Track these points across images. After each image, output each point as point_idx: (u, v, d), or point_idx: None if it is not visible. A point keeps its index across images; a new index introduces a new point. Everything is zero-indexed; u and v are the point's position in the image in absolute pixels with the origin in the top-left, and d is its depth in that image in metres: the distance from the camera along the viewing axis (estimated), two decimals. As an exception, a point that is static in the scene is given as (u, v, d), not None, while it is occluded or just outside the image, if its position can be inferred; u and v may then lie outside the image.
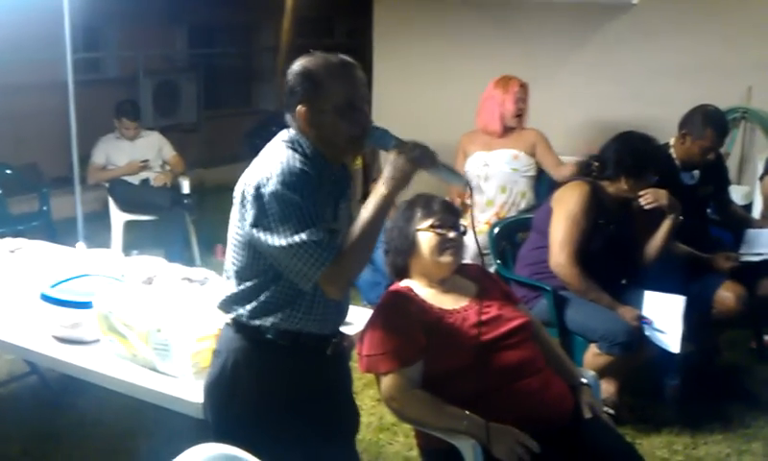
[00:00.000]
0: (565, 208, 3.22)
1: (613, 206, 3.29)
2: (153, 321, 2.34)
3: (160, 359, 2.34)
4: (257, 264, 1.93)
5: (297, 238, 1.81)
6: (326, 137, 1.93)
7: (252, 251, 1.93)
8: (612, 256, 3.25)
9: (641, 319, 3.12)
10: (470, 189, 1.98)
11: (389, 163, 1.88)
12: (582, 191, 3.24)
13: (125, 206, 5.52)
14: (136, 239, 5.42)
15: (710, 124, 3.56)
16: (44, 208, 5.53)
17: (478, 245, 2.38)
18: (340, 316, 2.07)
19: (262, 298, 1.94)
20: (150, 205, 5.46)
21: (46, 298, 2.63)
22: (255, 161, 1.94)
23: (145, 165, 5.63)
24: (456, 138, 4.60)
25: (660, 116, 4.47)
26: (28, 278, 2.99)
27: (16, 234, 3.76)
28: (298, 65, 1.94)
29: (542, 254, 3.28)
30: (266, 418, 1.95)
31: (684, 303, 3.14)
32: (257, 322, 1.95)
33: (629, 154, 3.24)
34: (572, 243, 3.17)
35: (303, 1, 8.96)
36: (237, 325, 2.00)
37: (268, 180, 1.85)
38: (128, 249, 5.14)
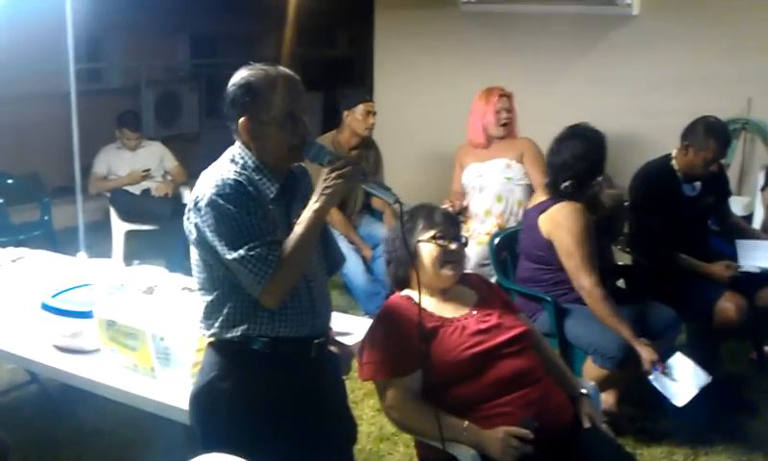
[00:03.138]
0: (569, 232, 3.13)
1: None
2: (156, 329, 2.35)
3: (161, 368, 2.35)
4: (213, 277, 1.98)
5: (235, 254, 1.87)
6: (268, 148, 1.98)
7: (203, 264, 1.99)
8: (603, 264, 3.24)
9: (655, 364, 2.98)
10: (400, 205, 2.00)
11: (321, 179, 1.92)
12: (577, 209, 3.17)
13: (126, 216, 5.53)
14: (137, 249, 5.42)
15: (713, 135, 3.56)
16: (46, 218, 5.54)
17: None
18: (316, 317, 2.06)
19: (226, 310, 1.98)
20: (151, 214, 5.47)
21: (47, 307, 2.63)
22: (198, 180, 2.00)
23: (146, 175, 5.66)
24: (456, 147, 4.61)
25: (660, 127, 4.48)
26: (29, 287, 3.00)
27: (18, 244, 3.76)
28: (238, 77, 1.99)
29: (538, 276, 3.27)
30: (251, 427, 1.96)
31: (707, 383, 3.02)
32: (229, 335, 1.98)
33: (584, 164, 3.20)
34: (588, 262, 3.10)
35: (305, 11, 9.00)
36: (214, 341, 2.03)
37: (204, 194, 1.91)
38: (129, 258, 5.13)
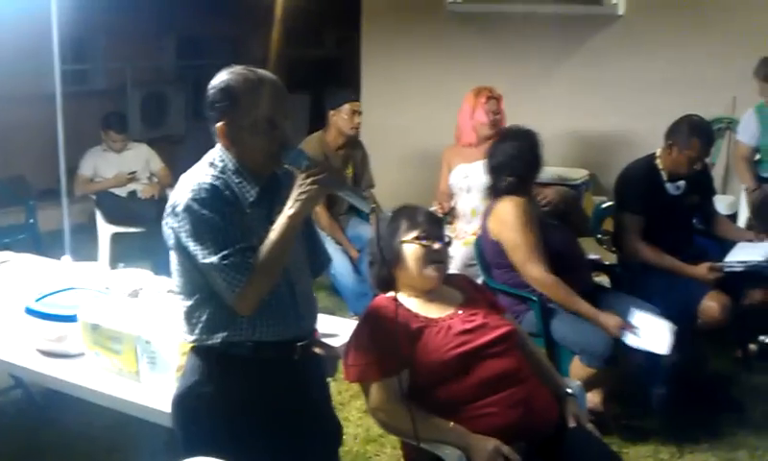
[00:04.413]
0: (511, 226, 3.17)
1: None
2: (142, 332, 2.34)
3: (147, 371, 2.34)
4: (192, 282, 1.97)
5: (209, 260, 1.87)
6: (245, 153, 1.96)
7: (182, 268, 1.99)
8: (570, 258, 3.27)
9: (623, 327, 3.07)
10: (376, 214, 1.99)
11: (296, 185, 1.91)
12: (514, 203, 3.20)
13: (112, 219, 5.51)
14: (124, 251, 5.41)
15: (696, 134, 3.58)
16: (31, 221, 5.51)
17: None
18: (300, 320, 2.05)
19: (205, 316, 1.97)
20: (137, 217, 5.45)
21: (31, 311, 2.61)
22: (177, 183, 1.99)
23: (132, 177, 5.64)
24: (443, 147, 4.62)
25: (645, 127, 4.51)
26: (13, 291, 2.98)
27: (3, 247, 3.75)
28: (218, 80, 1.97)
29: (513, 280, 3.27)
30: (233, 431, 1.96)
31: (672, 331, 3.09)
32: (209, 342, 1.98)
33: (524, 167, 3.25)
34: (534, 252, 3.14)
35: (292, 12, 9.00)
36: (196, 346, 2.02)
37: (181, 200, 1.90)
38: (115, 261, 5.12)
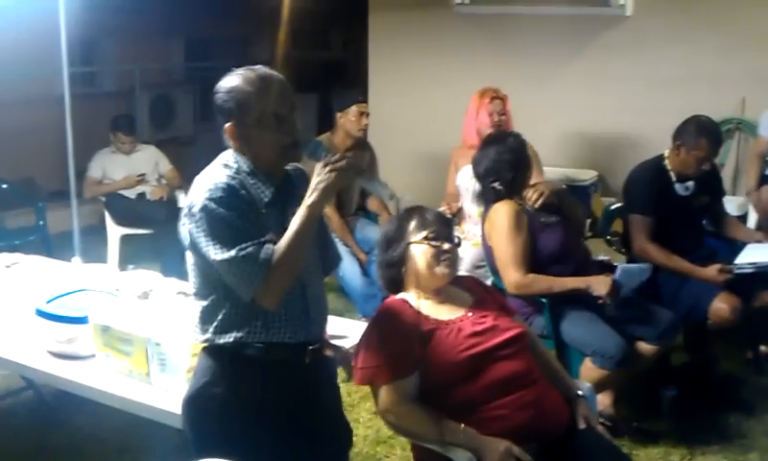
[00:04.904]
0: (497, 230, 3.21)
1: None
2: (152, 334, 2.35)
3: (158, 373, 2.34)
4: (208, 283, 1.98)
5: (227, 255, 1.87)
6: (259, 151, 1.98)
7: (198, 269, 1.99)
8: (569, 257, 3.25)
9: (615, 287, 3.12)
10: (397, 201, 2.01)
11: (315, 175, 1.92)
12: (506, 208, 3.22)
13: (121, 220, 5.52)
14: (133, 253, 5.42)
15: (704, 134, 3.57)
16: (41, 223, 5.53)
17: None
18: (311, 323, 2.05)
19: (220, 316, 1.97)
20: (146, 218, 5.46)
21: (42, 313, 2.63)
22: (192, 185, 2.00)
23: (142, 179, 5.65)
24: (450, 148, 4.62)
25: (654, 127, 4.49)
26: (24, 293, 2.99)
27: (13, 249, 3.75)
28: (221, 85, 1.99)
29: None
30: (243, 433, 1.96)
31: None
32: (222, 341, 1.98)
33: (509, 170, 3.26)
34: (517, 256, 3.14)
35: (299, 14, 9.02)
36: (208, 346, 2.03)
37: (197, 200, 1.91)
38: (124, 263, 5.13)
